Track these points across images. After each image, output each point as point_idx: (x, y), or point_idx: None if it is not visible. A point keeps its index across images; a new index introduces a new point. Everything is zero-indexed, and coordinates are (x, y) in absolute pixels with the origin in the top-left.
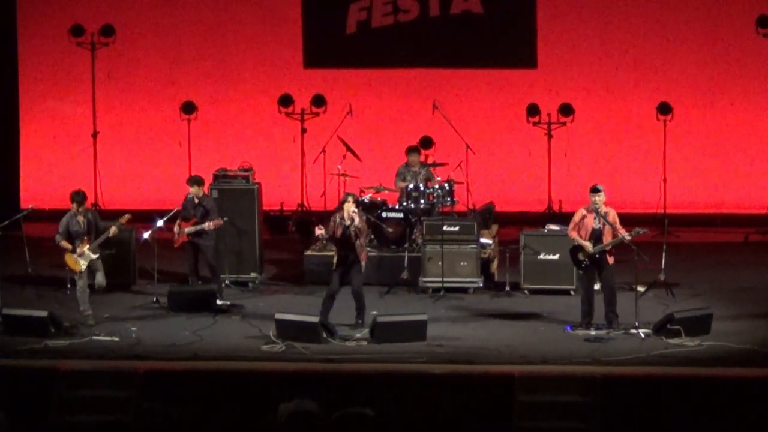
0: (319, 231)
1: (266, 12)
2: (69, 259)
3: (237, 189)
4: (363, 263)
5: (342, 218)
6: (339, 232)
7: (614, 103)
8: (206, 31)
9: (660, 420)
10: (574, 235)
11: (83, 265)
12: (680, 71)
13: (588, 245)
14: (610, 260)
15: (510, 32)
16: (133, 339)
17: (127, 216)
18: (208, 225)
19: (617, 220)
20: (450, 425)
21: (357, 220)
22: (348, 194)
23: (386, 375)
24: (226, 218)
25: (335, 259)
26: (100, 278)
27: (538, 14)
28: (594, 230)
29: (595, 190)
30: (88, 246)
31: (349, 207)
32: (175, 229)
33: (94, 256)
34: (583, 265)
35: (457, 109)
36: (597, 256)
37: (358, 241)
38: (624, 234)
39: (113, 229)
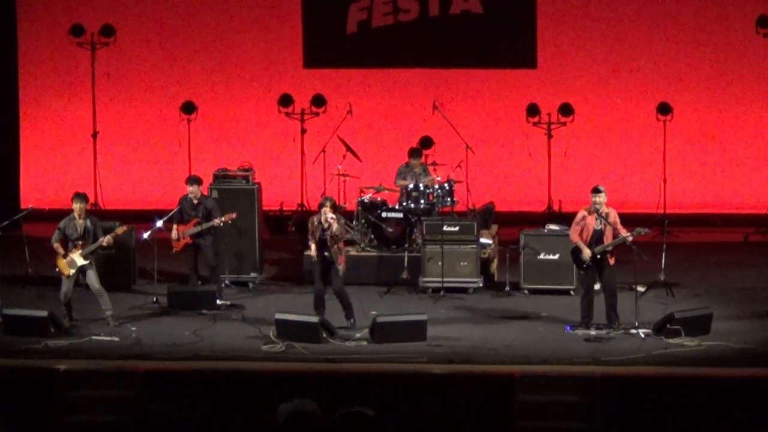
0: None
1: (266, 12)
2: (60, 262)
3: (237, 189)
4: (341, 266)
5: (320, 221)
6: (317, 235)
7: (614, 103)
8: (206, 31)
9: (660, 420)
10: (576, 237)
11: (72, 270)
12: (680, 71)
13: (587, 251)
14: (611, 261)
15: (510, 32)
16: (133, 339)
17: (122, 227)
18: (220, 220)
19: (618, 220)
20: (450, 425)
21: (334, 226)
22: (326, 199)
23: (386, 375)
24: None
25: (314, 260)
26: (92, 281)
27: (538, 14)
28: (595, 231)
29: (595, 191)
30: (79, 251)
31: (326, 212)
32: (174, 235)
33: (84, 262)
34: (584, 266)
35: (457, 109)
36: (598, 256)
37: (334, 246)
38: (625, 234)
39: (107, 239)
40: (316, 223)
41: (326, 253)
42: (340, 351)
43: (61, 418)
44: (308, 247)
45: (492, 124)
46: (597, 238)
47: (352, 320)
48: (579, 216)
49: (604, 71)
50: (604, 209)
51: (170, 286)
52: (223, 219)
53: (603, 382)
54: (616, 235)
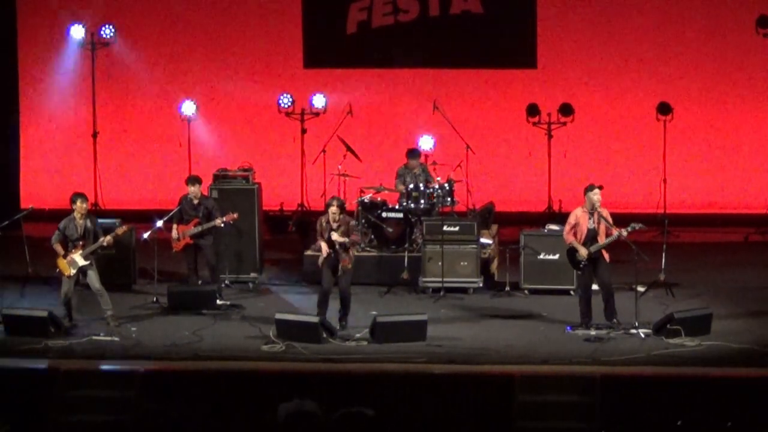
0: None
1: (266, 12)
2: (61, 262)
3: (237, 189)
4: (341, 266)
5: (328, 221)
6: (326, 235)
7: (614, 103)
8: (206, 32)
9: (660, 420)
10: (570, 238)
11: (73, 270)
12: (680, 71)
13: (584, 250)
14: (607, 257)
15: (510, 32)
16: (133, 339)
17: (123, 228)
18: (221, 221)
19: (610, 218)
20: (450, 425)
21: (351, 238)
22: (334, 198)
23: (386, 375)
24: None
25: (322, 258)
26: (92, 281)
27: (538, 14)
28: (589, 230)
29: (592, 188)
30: (80, 252)
31: (335, 212)
32: (174, 234)
33: (85, 263)
34: (581, 266)
35: (457, 109)
36: (594, 255)
37: (333, 237)
38: (620, 231)
39: (107, 239)
40: (324, 223)
41: (338, 251)
42: (340, 351)
43: (61, 418)
44: (308, 248)
45: (492, 124)
46: (591, 237)
47: (344, 323)
48: (572, 217)
49: (604, 71)
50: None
51: (170, 286)
52: (224, 219)
53: (603, 382)
54: (609, 233)
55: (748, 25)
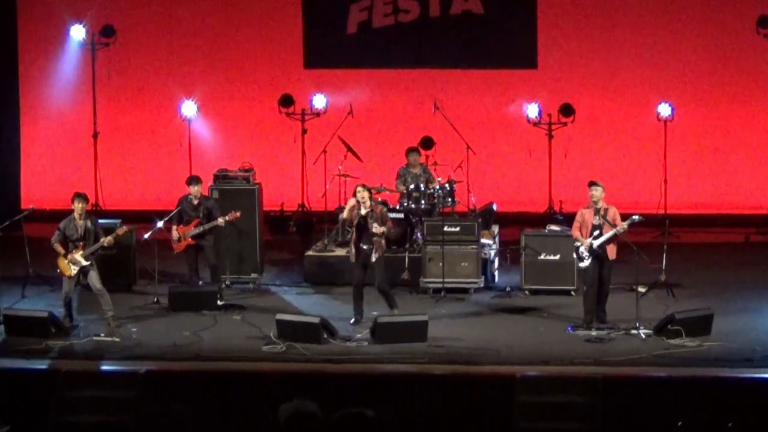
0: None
1: (267, 12)
2: (61, 262)
3: (237, 189)
4: (374, 255)
5: (358, 210)
6: (356, 221)
7: (614, 103)
8: (206, 32)
9: (661, 420)
10: (576, 233)
11: (74, 270)
12: (680, 71)
13: (586, 242)
14: (612, 255)
15: (510, 32)
16: (133, 339)
17: (123, 228)
18: (223, 219)
19: (618, 216)
20: (450, 425)
21: (386, 226)
22: (356, 187)
23: (386, 375)
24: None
25: (353, 251)
26: (93, 281)
27: (538, 14)
28: (594, 227)
29: (592, 184)
30: (81, 252)
31: (363, 193)
32: (174, 235)
33: (86, 263)
34: (584, 260)
35: (457, 109)
36: (599, 250)
37: (377, 237)
38: (621, 226)
39: (108, 239)
40: (354, 211)
41: (363, 243)
42: (340, 351)
43: (61, 419)
44: (309, 248)
45: (492, 124)
46: (597, 234)
47: (395, 309)
48: (578, 215)
49: (604, 71)
50: (602, 204)
51: (171, 286)
52: (227, 218)
53: (604, 382)
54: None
55: (748, 25)
